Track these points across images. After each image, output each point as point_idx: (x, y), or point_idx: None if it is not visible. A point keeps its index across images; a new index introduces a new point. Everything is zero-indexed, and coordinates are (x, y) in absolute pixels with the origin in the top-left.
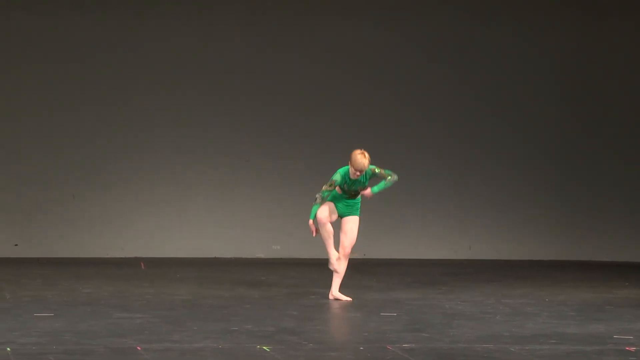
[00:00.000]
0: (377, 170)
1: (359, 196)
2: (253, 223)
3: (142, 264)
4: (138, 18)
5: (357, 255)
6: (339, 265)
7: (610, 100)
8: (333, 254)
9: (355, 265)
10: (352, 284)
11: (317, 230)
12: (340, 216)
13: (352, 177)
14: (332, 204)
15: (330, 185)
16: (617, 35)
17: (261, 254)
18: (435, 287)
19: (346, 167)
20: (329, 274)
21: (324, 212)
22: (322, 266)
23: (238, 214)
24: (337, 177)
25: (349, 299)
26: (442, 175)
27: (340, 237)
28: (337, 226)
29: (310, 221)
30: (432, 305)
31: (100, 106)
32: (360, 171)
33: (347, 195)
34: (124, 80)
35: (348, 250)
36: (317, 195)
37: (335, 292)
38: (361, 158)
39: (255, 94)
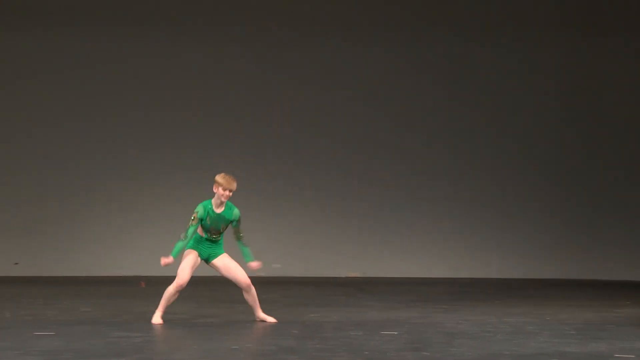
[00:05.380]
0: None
1: (221, 237)
2: (254, 241)
3: (142, 283)
4: (117, 39)
5: (357, 274)
6: (249, 294)
7: (610, 118)
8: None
9: (356, 284)
10: (353, 303)
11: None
12: (206, 260)
13: (220, 200)
14: (193, 257)
15: (193, 220)
16: (615, 53)
17: (261, 273)
18: (436, 305)
19: (207, 201)
20: (330, 292)
21: (187, 274)
22: (322, 285)
23: None
24: (200, 209)
25: (273, 320)
26: (443, 196)
27: (229, 276)
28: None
29: (170, 258)
30: (433, 324)
31: (98, 125)
32: (231, 190)
33: (210, 235)
34: (122, 95)
35: (248, 279)
36: (182, 234)
37: (260, 314)
38: (230, 178)
39: (261, 116)
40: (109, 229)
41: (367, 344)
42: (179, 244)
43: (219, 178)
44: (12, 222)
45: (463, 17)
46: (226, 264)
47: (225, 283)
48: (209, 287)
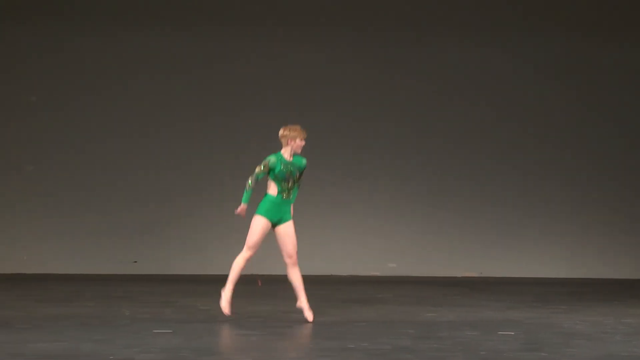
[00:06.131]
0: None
1: (295, 192)
2: (369, 241)
3: (259, 282)
4: (232, 38)
5: (474, 274)
6: (294, 274)
7: None
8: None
9: (471, 284)
10: (469, 303)
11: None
12: (274, 224)
13: (292, 153)
14: (264, 227)
15: (263, 167)
16: None
17: (377, 272)
18: (554, 306)
19: (277, 152)
20: (445, 292)
21: (257, 245)
22: (437, 285)
23: (354, 231)
24: (272, 157)
25: (311, 317)
26: (561, 196)
27: (281, 245)
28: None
29: (242, 205)
30: (550, 325)
31: (214, 125)
32: (303, 139)
33: (286, 185)
34: (237, 96)
35: (295, 256)
36: (250, 179)
37: (303, 300)
38: (298, 126)
39: (376, 116)
40: (225, 228)
41: (483, 344)
42: (248, 192)
43: (289, 132)
44: (131, 222)
45: (586, 15)
46: (287, 232)
47: (342, 282)
48: (323, 286)
